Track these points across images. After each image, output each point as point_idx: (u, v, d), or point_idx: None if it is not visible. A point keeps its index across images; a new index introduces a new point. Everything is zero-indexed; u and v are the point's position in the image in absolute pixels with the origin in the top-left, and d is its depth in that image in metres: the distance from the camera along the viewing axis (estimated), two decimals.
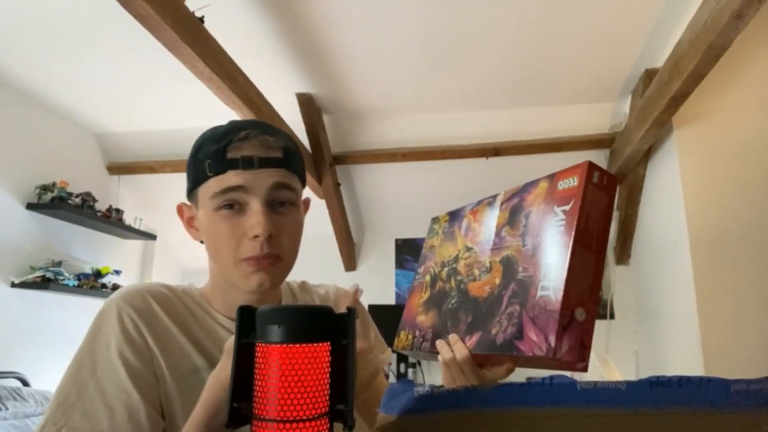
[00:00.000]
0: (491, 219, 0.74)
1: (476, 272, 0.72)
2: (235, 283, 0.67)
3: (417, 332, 0.79)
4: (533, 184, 0.69)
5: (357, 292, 0.67)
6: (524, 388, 0.38)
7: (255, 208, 0.63)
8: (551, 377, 0.38)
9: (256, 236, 0.63)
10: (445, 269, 0.80)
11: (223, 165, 0.63)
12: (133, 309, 0.64)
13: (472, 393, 0.38)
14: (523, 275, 0.63)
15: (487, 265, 0.70)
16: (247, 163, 0.63)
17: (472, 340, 0.66)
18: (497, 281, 0.67)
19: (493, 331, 0.63)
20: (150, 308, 0.66)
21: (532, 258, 0.63)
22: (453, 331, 0.70)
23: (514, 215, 0.70)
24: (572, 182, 0.62)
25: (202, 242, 0.71)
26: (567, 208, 0.61)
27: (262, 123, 0.70)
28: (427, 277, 0.84)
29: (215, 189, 0.63)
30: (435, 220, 0.91)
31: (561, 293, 0.56)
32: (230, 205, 0.64)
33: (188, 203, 0.71)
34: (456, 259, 0.79)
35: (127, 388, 0.60)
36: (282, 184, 0.66)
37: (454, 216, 0.85)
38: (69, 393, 0.60)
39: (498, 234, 0.72)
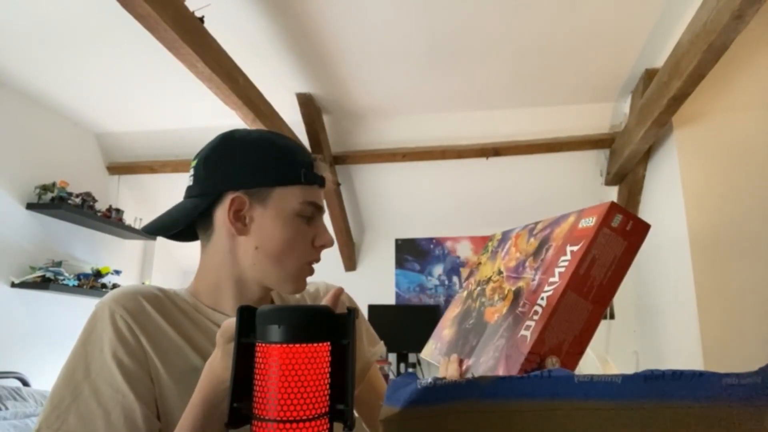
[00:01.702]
0: (525, 246, 0.72)
1: (496, 298, 0.70)
2: (284, 283, 0.71)
3: (438, 344, 0.79)
4: (565, 217, 0.66)
5: (339, 292, 0.71)
6: (524, 380, 0.38)
7: (323, 222, 0.74)
8: (549, 370, 0.39)
9: (323, 246, 0.73)
10: (477, 289, 0.79)
11: (313, 178, 0.71)
12: (125, 310, 0.64)
13: (474, 385, 0.38)
14: (520, 310, 0.60)
15: (505, 292, 0.68)
16: (323, 183, 0.73)
17: (468, 364, 0.65)
18: (504, 311, 0.64)
19: (482, 360, 0.61)
20: (143, 309, 0.65)
21: (532, 294, 0.59)
22: (462, 351, 0.69)
23: (540, 247, 0.66)
24: (590, 222, 0.57)
25: (234, 235, 0.70)
26: (575, 249, 0.57)
27: None
28: (464, 293, 0.83)
29: (307, 198, 0.70)
30: (492, 237, 0.89)
31: (535, 337, 0.53)
32: (310, 215, 0.71)
33: (243, 196, 0.69)
34: (488, 281, 0.77)
35: (122, 389, 0.60)
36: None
37: (505, 236, 0.82)
38: (63, 396, 0.59)
39: (522, 263, 0.68)
